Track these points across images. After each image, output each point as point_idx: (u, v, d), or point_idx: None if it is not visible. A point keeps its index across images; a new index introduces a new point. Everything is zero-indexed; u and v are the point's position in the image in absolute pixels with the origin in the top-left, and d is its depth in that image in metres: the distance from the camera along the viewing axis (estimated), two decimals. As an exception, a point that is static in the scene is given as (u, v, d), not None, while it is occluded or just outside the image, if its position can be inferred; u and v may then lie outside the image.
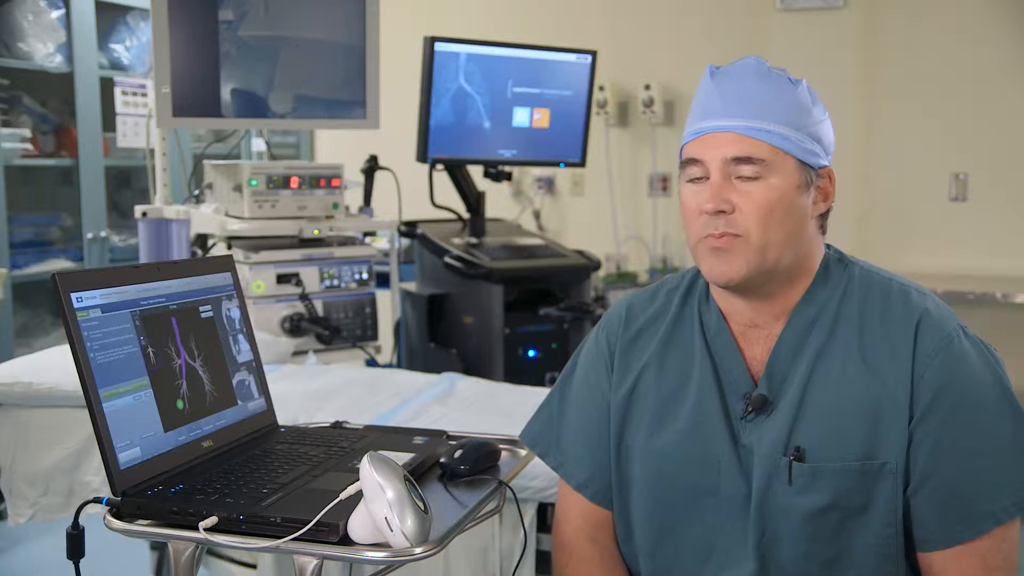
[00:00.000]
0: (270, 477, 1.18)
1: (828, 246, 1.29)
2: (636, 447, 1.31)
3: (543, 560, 1.74)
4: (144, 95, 3.90)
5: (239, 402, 1.36)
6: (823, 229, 1.27)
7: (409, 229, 3.29)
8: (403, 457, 1.27)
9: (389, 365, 3.28)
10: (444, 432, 1.44)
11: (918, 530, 1.18)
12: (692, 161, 1.21)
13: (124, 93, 3.91)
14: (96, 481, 2.07)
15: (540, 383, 3.05)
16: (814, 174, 1.21)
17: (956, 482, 1.16)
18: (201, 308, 1.33)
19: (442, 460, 1.30)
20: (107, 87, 3.91)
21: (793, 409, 1.20)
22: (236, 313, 1.40)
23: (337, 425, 1.51)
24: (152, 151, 3.10)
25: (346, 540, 1.03)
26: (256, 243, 2.77)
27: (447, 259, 3.09)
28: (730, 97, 1.20)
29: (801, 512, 1.18)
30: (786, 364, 1.23)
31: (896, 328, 1.20)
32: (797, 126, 1.19)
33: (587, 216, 4.67)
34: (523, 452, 1.43)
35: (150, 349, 1.21)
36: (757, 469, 1.21)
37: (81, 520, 1.13)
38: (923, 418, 1.16)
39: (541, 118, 3.33)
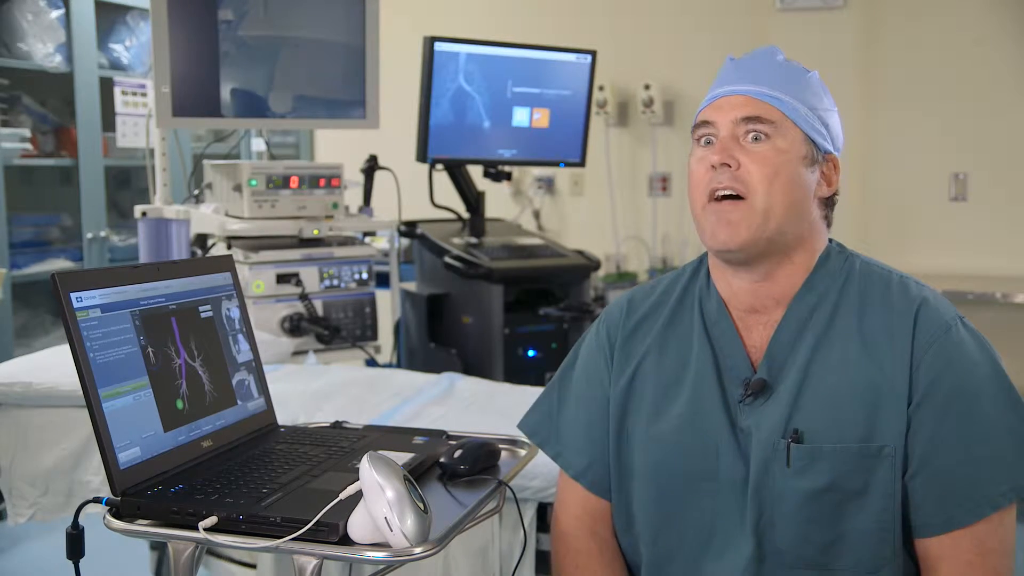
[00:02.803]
0: (270, 477, 1.18)
1: (831, 239, 1.31)
2: (636, 435, 1.32)
3: (543, 560, 1.74)
4: (144, 95, 3.90)
5: (239, 402, 1.36)
6: (828, 220, 1.30)
7: (409, 229, 3.29)
8: (403, 457, 1.27)
9: (389, 365, 3.28)
10: (444, 432, 1.44)
11: (915, 515, 1.19)
12: (704, 123, 1.25)
13: (124, 93, 3.91)
14: (96, 481, 2.07)
15: (540, 383, 3.05)
16: (820, 155, 1.25)
17: (954, 467, 1.17)
18: (201, 308, 1.33)
19: (442, 460, 1.30)
20: (107, 87, 3.91)
21: (792, 393, 1.22)
22: (236, 313, 1.40)
23: (337, 425, 1.51)
24: (152, 151, 3.10)
25: (346, 540, 1.03)
26: (256, 243, 2.77)
27: (447, 259, 3.09)
28: (745, 69, 1.26)
29: (799, 494, 1.19)
30: (786, 349, 1.24)
31: (895, 315, 1.22)
32: (807, 105, 1.24)
33: (587, 216, 4.67)
34: (523, 452, 1.43)
35: (150, 349, 1.21)
36: (755, 452, 1.22)
37: (81, 520, 1.13)
38: (921, 404, 1.18)
39: (541, 118, 3.33)
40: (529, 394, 2.18)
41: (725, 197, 1.21)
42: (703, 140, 1.25)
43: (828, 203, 1.29)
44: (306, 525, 1.02)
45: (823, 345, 1.23)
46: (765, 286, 1.26)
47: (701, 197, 1.23)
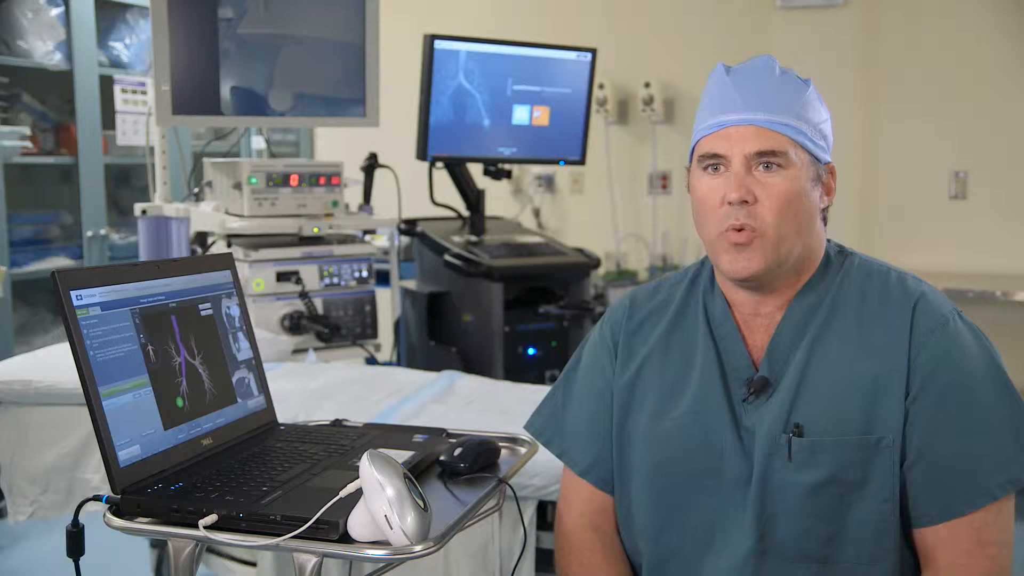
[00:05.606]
0: (270, 475, 1.18)
1: (828, 240, 1.33)
2: (638, 433, 1.34)
3: (543, 558, 1.74)
4: (144, 93, 3.90)
5: (239, 400, 1.36)
6: (824, 220, 1.31)
7: (409, 227, 3.29)
8: (403, 455, 1.27)
9: (389, 363, 3.28)
10: (444, 430, 1.44)
11: (914, 506, 1.21)
12: (713, 155, 1.24)
13: (124, 91, 3.91)
14: (96, 479, 2.07)
15: (540, 381, 3.05)
16: (822, 169, 1.26)
17: (951, 458, 1.19)
18: (201, 306, 1.33)
19: (442, 458, 1.30)
20: (107, 85, 3.91)
21: (792, 389, 1.24)
22: (236, 311, 1.40)
23: (337, 423, 1.51)
24: (152, 149, 3.10)
25: (346, 538, 1.03)
26: (256, 241, 2.77)
27: (447, 257, 3.09)
28: (749, 92, 1.24)
29: (801, 488, 1.21)
30: (786, 348, 1.27)
31: (893, 309, 1.24)
32: (810, 123, 1.24)
33: (587, 214, 4.67)
34: (523, 450, 1.43)
35: (150, 347, 1.21)
36: (758, 448, 1.24)
37: (81, 518, 1.13)
38: (919, 395, 1.20)
39: (541, 116, 3.33)
40: (529, 392, 2.18)
41: (741, 229, 1.22)
42: (710, 168, 1.25)
43: (825, 208, 1.31)
44: (306, 523, 1.02)
45: (821, 341, 1.25)
46: (768, 296, 1.29)
47: (715, 228, 1.24)
